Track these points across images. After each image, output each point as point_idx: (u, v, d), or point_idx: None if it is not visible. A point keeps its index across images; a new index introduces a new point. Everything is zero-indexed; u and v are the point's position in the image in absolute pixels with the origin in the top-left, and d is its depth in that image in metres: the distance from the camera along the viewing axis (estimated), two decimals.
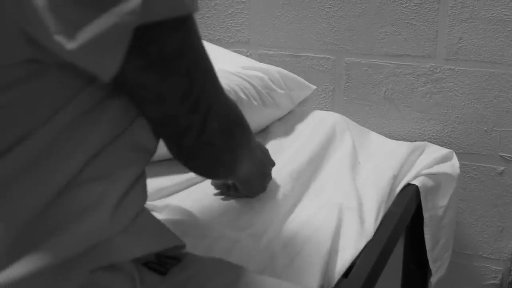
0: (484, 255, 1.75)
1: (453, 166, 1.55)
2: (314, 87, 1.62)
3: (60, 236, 0.64)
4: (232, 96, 1.31)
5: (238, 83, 1.39)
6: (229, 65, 1.48)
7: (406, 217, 1.37)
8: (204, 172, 0.87)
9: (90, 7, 0.59)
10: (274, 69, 1.54)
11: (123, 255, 0.71)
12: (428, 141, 1.62)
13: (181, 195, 1.21)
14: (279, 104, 1.51)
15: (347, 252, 1.12)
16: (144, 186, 0.78)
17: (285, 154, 1.37)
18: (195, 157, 0.79)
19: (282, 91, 1.51)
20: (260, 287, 0.84)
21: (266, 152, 1.16)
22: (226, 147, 0.82)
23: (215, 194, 1.21)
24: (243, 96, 1.37)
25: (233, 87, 1.36)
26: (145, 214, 0.79)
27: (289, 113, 1.58)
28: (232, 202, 1.19)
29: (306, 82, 1.61)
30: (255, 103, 1.41)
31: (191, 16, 0.70)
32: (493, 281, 1.76)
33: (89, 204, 0.66)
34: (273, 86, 1.48)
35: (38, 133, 0.64)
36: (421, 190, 1.42)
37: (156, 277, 0.78)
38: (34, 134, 0.64)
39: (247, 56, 1.79)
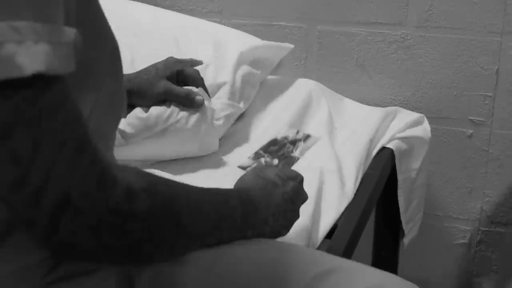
0: (454, 216, 1.81)
1: (424, 130, 1.60)
2: (291, 45, 1.63)
3: None
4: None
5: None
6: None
7: (382, 179, 1.42)
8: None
9: None
10: (244, 68, 1.49)
11: None
12: (400, 106, 1.66)
13: None
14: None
15: (330, 214, 1.17)
16: None
17: (265, 121, 1.40)
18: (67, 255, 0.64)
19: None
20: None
21: (285, 207, 0.87)
22: (117, 249, 0.63)
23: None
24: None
25: None
26: None
27: (265, 82, 1.61)
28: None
29: (281, 44, 1.62)
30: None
31: (36, 78, 0.53)
32: (463, 241, 1.83)
33: None
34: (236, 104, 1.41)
35: None
36: (395, 153, 1.47)
37: None
38: None
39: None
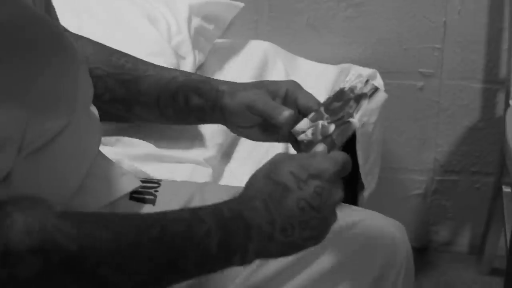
0: (409, 168, 1.87)
1: (378, 85, 1.63)
2: (241, 4, 1.62)
3: None
4: None
5: None
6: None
7: None
8: None
9: None
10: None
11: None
12: (352, 63, 1.70)
13: None
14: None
15: None
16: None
17: None
18: None
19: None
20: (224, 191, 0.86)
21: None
22: None
23: None
24: None
25: None
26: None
27: (218, 45, 1.61)
28: None
29: (232, 1, 1.61)
30: None
31: None
32: (418, 191, 1.89)
33: None
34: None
35: None
36: None
37: (148, 207, 0.81)
38: None
39: None
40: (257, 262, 0.80)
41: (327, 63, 1.72)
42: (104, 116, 0.86)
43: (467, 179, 1.86)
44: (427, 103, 1.78)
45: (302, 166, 0.69)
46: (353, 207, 0.90)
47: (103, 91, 0.88)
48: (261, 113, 0.83)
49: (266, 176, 0.70)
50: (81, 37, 0.93)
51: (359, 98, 0.76)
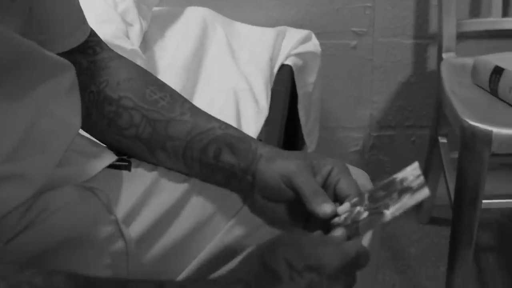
0: (346, 125, 1.91)
1: (314, 45, 1.65)
2: None
3: None
4: None
5: None
6: None
7: (287, 94, 1.47)
8: None
9: None
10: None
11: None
12: (286, 26, 1.71)
13: None
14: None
15: (250, 130, 1.21)
16: None
17: (169, 52, 1.40)
18: None
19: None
20: None
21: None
22: None
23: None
24: None
25: None
26: None
27: (155, 14, 1.59)
28: None
29: None
30: None
31: None
32: (356, 148, 1.94)
33: None
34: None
35: None
36: (294, 69, 1.52)
37: (125, 173, 0.79)
38: None
39: None
40: (230, 222, 0.81)
41: (262, 26, 1.73)
42: (128, 151, 0.81)
43: (403, 133, 1.92)
44: (361, 61, 1.82)
45: (301, 255, 0.61)
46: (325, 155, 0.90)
47: (128, 125, 0.79)
48: (298, 190, 0.72)
49: (260, 258, 0.62)
50: (120, 57, 0.84)
51: (404, 191, 0.68)
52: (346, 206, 0.71)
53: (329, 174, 0.73)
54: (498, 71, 1.38)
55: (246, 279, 0.60)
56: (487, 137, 1.27)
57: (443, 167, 1.64)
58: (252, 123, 1.22)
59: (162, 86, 0.82)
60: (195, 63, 1.37)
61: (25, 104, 0.64)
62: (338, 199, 0.72)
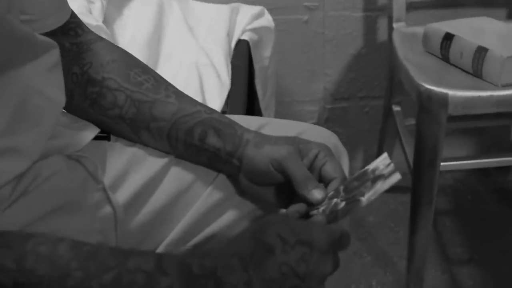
0: (300, 99, 1.94)
1: (268, 20, 1.67)
2: None
3: None
4: None
5: None
6: None
7: (246, 68, 1.48)
8: None
9: None
10: None
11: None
12: (240, 2, 1.72)
13: None
14: None
15: (215, 103, 1.22)
16: None
17: (128, 30, 1.40)
18: None
19: None
20: None
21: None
22: None
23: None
24: None
25: None
26: None
27: None
28: None
29: None
30: None
31: None
32: (311, 121, 1.96)
33: None
34: None
35: None
36: (250, 44, 1.54)
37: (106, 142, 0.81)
38: None
39: None
40: (208, 189, 0.83)
41: (215, 3, 1.74)
42: (110, 131, 0.81)
43: (356, 105, 1.96)
44: (313, 35, 1.84)
45: (293, 230, 0.64)
46: (291, 121, 0.92)
47: (111, 105, 0.79)
48: (289, 175, 0.74)
49: (252, 234, 0.64)
50: (101, 39, 0.84)
51: (376, 179, 0.72)
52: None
53: (315, 157, 0.76)
54: (448, 38, 1.42)
55: (241, 253, 0.62)
56: (444, 100, 1.31)
57: (398, 135, 1.68)
58: (215, 96, 1.23)
59: (146, 69, 0.83)
60: (155, 40, 1.37)
61: (13, 82, 0.65)
62: (323, 181, 0.75)
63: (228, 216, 0.83)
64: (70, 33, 0.81)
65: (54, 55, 0.71)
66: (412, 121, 1.75)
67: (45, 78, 0.69)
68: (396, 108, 1.75)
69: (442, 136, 1.37)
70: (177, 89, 0.83)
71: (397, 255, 1.73)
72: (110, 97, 0.79)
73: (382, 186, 0.71)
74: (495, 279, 1.65)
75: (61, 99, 0.72)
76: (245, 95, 1.35)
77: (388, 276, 1.67)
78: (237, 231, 0.80)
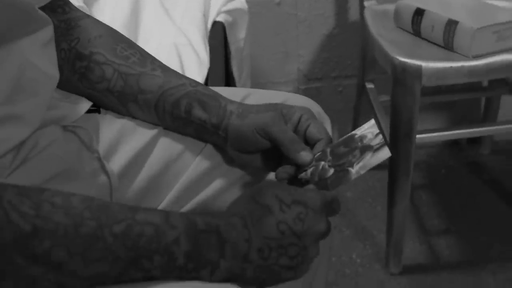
0: (275, 80, 1.96)
1: (241, 2, 1.69)
2: None
3: None
4: None
5: None
6: None
7: (223, 49, 1.50)
8: None
9: None
10: None
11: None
12: None
13: None
14: None
15: (197, 80, 1.23)
16: None
17: (106, 15, 1.40)
18: None
19: None
20: None
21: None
22: None
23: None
24: None
25: None
26: None
27: None
28: None
29: None
30: None
31: None
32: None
33: None
34: None
35: None
36: (225, 25, 1.56)
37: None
38: None
39: None
40: (197, 158, 0.85)
41: None
42: (99, 104, 0.83)
43: (330, 84, 1.99)
44: (286, 16, 1.87)
45: (289, 192, 0.67)
46: (274, 91, 0.96)
47: (99, 79, 0.81)
48: (275, 140, 0.76)
49: (249, 197, 0.67)
50: (88, 16, 0.86)
51: (365, 149, 0.73)
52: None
53: (299, 120, 0.78)
54: (419, 13, 1.46)
55: (241, 212, 0.65)
56: (417, 72, 1.34)
57: (372, 111, 1.71)
58: (196, 75, 1.25)
59: (131, 44, 0.85)
60: (133, 23, 1.38)
61: (12, 54, 0.66)
62: (309, 143, 0.78)
63: (216, 184, 0.86)
64: (58, 10, 0.83)
65: (49, 31, 0.72)
66: (385, 98, 1.79)
67: (41, 53, 0.71)
68: (370, 86, 1.79)
69: (417, 108, 1.40)
70: (162, 63, 0.85)
71: (375, 229, 1.77)
72: (98, 71, 0.81)
73: (371, 160, 0.73)
74: (471, 247, 1.70)
75: (56, 74, 0.74)
76: (224, 74, 1.37)
77: (367, 249, 1.70)
78: (227, 198, 0.85)
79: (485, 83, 1.95)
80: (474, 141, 2.11)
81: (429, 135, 1.53)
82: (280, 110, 0.78)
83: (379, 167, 0.74)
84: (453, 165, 2.04)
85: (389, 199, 1.54)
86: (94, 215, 0.57)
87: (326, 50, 1.93)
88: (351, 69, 1.95)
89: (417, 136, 1.46)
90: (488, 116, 2.00)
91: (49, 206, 0.55)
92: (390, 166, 1.50)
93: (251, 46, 1.79)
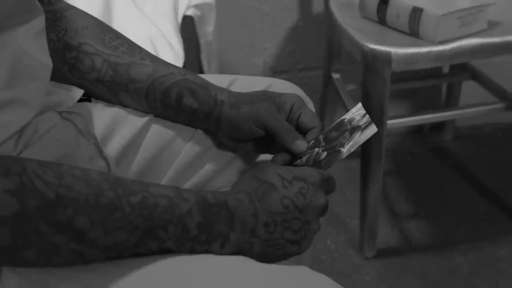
0: (242, 73, 1.96)
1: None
2: None
3: None
4: None
5: None
6: None
7: (195, 42, 1.52)
8: None
9: None
10: None
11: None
12: None
13: None
14: None
15: None
16: None
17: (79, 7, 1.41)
18: None
19: None
20: None
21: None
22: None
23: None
24: None
25: None
26: None
27: None
28: None
29: None
30: None
31: None
32: None
33: None
34: None
35: None
36: (195, 19, 1.57)
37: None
38: None
39: None
40: (189, 143, 0.87)
41: None
42: (90, 94, 0.84)
43: (296, 76, 2.02)
44: (251, 10, 1.89)
45: (289, 169, 0.71)
46: (258, 77, 0.98)
47: (89, 69, 0.82)
48: (270, 130, 0.79)
49: (252, 176, 0.71)
50: (73, 7, 0.86)
51: (354, 130, 0.79)
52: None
53: (290, 110, 0.81)
54: (384, 1, 1.50)
55: (246, 190, 0.69)
56: (387, 58, 1.38)
57: (340, 100, 1.75)
58: None
59: (118, 34, 0.86)
60: (106, 17, 1.39)
61: (8, 42, 0.67)
62: (301, 131, 0.80)
63: (209, 167, 0.88)
64: (44, 1, 0.84)
65: (42, 20, 0.73)
66: (352, 87, 1.83)
67: (34, 42, 0.71)
68: (336, 76, 1.82)
69: (388, 94, 1.44)
70: (149, 52, 0.86)
71: (347, 215, 1.80)
72: (87, 61, 0.82)
73: (360, 137, 0.78)
74: (439, 229, 1.75)
75: (49, 62, 0.75)
76: (198, 67, 1.39)
77: (341, 235, 1.74)
78: (220, 180, 0.87)
79: (445, 70, 2.01)
80: (436, 128, 2.17)
81: (398, 120, 1.57)
82: (272, 99, 0.81)
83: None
84: (418, 152, 2.10)
85: (362, 184, 1.58)
86: (111, 186, 0.59)
87: (291, 42, 1.96)
88: (316, 61, 1.98)
89: (389, 121, 1.50)
90: (450, 102, 2.06)
91: (70, 177, 0.57)
92: (363, 151, 1.54)
93: (218, 40, 1.82)
